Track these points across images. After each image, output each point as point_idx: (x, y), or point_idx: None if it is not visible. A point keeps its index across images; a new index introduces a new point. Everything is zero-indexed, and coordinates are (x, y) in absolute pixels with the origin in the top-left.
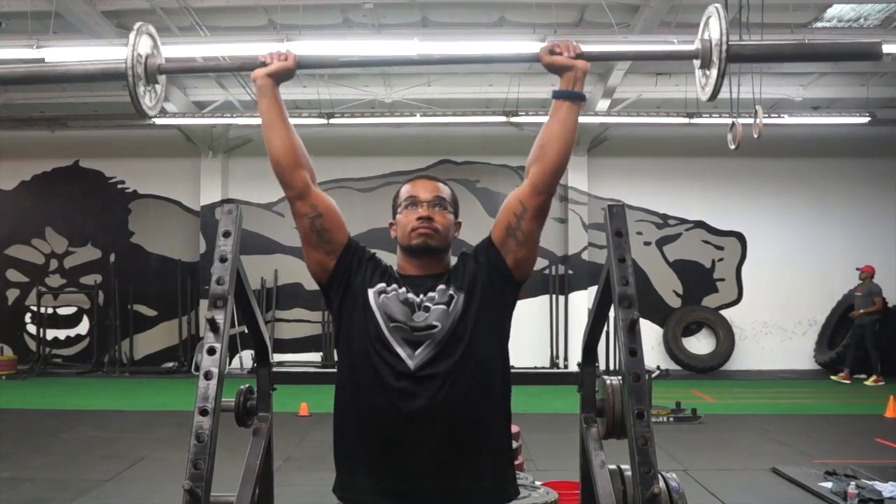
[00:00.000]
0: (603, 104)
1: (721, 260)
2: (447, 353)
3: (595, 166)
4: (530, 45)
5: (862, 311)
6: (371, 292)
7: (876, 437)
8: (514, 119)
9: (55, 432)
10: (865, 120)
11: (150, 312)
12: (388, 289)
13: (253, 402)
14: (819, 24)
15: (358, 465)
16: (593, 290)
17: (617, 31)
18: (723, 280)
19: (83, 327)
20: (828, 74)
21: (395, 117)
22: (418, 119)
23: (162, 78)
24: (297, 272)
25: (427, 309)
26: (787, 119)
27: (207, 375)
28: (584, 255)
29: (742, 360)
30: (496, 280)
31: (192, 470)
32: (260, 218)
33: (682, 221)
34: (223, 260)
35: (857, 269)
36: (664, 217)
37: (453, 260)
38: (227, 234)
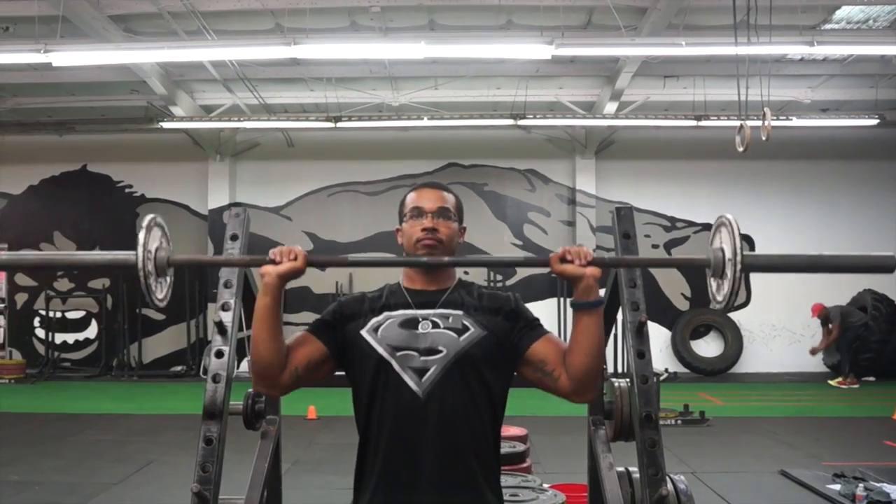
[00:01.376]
0: (611, 107)
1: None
2: (454, 378)
3: (603, 169)
4: (538, 49)
5: (823, 345)
6: (364, 332)
7: (885, 439)
8: (521, 122)
9: (64, 436)
10: (874, 122)
11: (159, 316)
12: (382, 319)
13: (261, 405)
14: (828, 26)
15: (365, 488)
16: (601, 293)
17: (624, 33)
18: None
19: (91, 331)
20: (836, 77)
21: (402, 121)
22: (425, 122)
23: (170, 270)
24: (305, 276)
25: (435, 324)
26: (795, 121)
27: (215, 378)
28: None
29: (750, 362)
30: (507, 353)
31: (201, 473)
32: (267, 221)
33: (690, 224)
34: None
35: (813, 315)
36: (672, 220)
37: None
38: (234, 238)
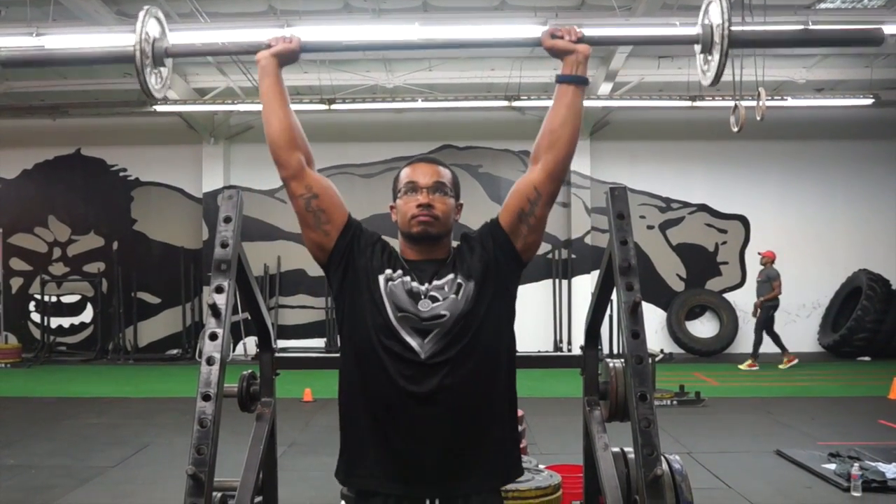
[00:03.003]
0: (605, 88)
1: (724, 243)
2: (457, 340)
3: (598, 150)
4: (532, 29)
5: (762, 298)
6: (381, 279)
7: (879, 418)
8: (516, 103)
9: (59, 420)
10: (869, 101)
11: (154, 300)
12: (395, 276)
13: (256, 387)
14: (822, 6)
15: (363, 449)
16: (596, 274)
17: (619, 13)
18: (726, 263)
19: (87, 315)
20: (831, 56)
21: (396, 102)
22: (420, 104)
23: (168, 62)
24: (299, 258)
25: (434, 299)
26: (790, 101)
27: (210, 361)
28: (588, 240)
29: (746, 343)
30: (504, 264)
31: (196, 455)
32: (262, 204)
33: (686, 205)
34: (224, 245)
35: (759, 253)
36: (667, 201)
37: (455, 242)
38: (227, 220)
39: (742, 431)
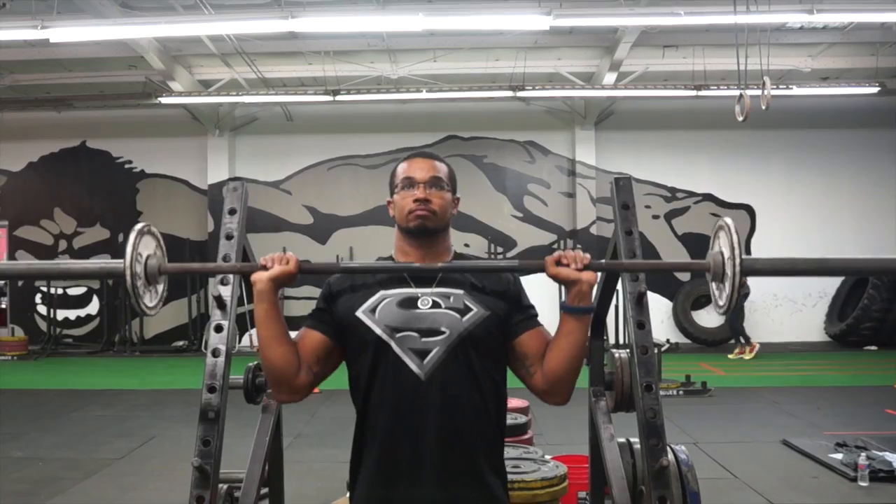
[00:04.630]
0: (610, 77)
1: None
2: (457, 360)
3: (602, 140)
4: (536, 19)
5: None
6: (360, 313)
7: (886, 407)
8: (520, 94)
9: (66, 412)
10: (875, 90)
11: None
12: (378, 299)
13: (261, 379)
14: None
15: (365, 473)
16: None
17: (623, 3)
18: None
19: (93, 307)
20: (837, 45)
21: (401, 93)
22: (424, 95)
23: (163, 278)
24: (304, 250)
25: (436, 304)
26: (795, 90)
27: (215, 353)
28: (593, 230)
29: (752, 332)
30: (506, 331)
31: (202, 447)
32: (267, 196)
33: (691, 194)
34: (229, 237)
35: None
36: (672, 190)
37: (453, 235)
38: (232, 212)
39: (748, 421)
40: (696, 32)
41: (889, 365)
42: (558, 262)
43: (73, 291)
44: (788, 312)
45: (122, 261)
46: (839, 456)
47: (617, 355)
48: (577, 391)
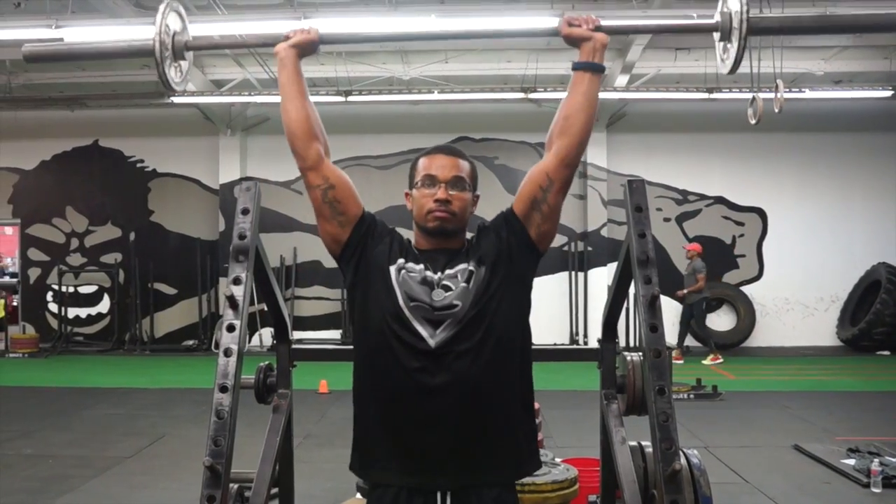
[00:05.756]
0: (622, 80)
1: (742, 236)
2: (469, 331)
3: (614, 142)
4: (548, 21)
5: (686, 290)
6: (392, 269)
7: None
8: (532, 95)
9: (77, 410)
10: (888, 93)
11: (170, 290)
12: (408, 266)
13: (273, 378)
14: None
15: (376, 442)
16: (613, 266)
17: (636, 5)
18: (743, 256)
19: (104, 305)
20: (850, 48)
21: (412, 94)
22: (436, 96)
23: (188, 55)
24: (316, 250)
25: (447, 288)
26: (808, 93)
27: (227, 352)
28: (604, 232)
29: (763, 336)
30: (518, 253)
31: (213, 447)
32: (279, 196)
33: (702, 197)
34: (242, 237)
35: (683, 247)
36: (684, 193)
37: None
38: (245, 212)
39: (759, 426)
40: (707, 35)
41: None
42: (570, 24)
43: (84, 290)
44: (800, 316)
45: (149, 38)
46: (851, 461)
47: (629, 358)
48: (587, 394)
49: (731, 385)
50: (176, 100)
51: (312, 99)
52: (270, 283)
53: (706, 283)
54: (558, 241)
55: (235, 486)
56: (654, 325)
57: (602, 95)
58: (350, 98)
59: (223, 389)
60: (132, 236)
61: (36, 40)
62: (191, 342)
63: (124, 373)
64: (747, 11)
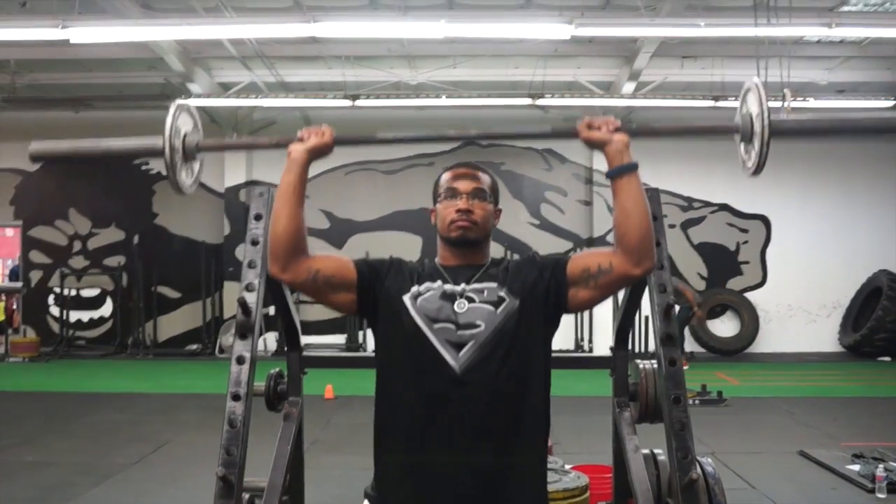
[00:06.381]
0: (629, 87)
1: (746, 243)
2: (492, 354)
3: None
4: (558, 28)
5: (698, 310)
6: (406, 298)
7: None
8: (539, 101)
9: (79, 415)
10: (891, 103)
11: (174, 294)
12: (423, 289)
13: (283, 386)
14: (846, 8)
15: (398, 479)
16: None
17: (644, 13)
18: (747, 263)
19: (106, 309)
20: (854, 58)
21: (420, 99)
22: (444, 101)
23: (200, 156)
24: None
25: (471, 300)
26: (812, 102)
27: (240, 360)
28: (610, 238)
29: (767, 342)
30: (550, 301)
31: (225, 456)
32: None
33: (707, 204)
34: (255, 243)
35: None
36: (689, 200)
37: (493, 247)
38: (258, 217)
39: (765, 432)
40: (715, 44)
41: None
42: (590, 127)
43: (86, 293)
44: (803, 323)
45: (160, 136)
46: (856, 467)
47: (641, 366)
48: (594, 400)
49: (735, 391)
50: (182, 102)
51: (319, 103)
52: (282, 288)
53: (692, 292)
54: (564, 246)
55: (246, 495)
56: (668, 334)
57: (609, 102)
58: (357, 102)
59: (236, 398)
60: (136, 239)
61: (42, 42)
62: (194, 346)
63: (127, 377)
64: (768, 116)
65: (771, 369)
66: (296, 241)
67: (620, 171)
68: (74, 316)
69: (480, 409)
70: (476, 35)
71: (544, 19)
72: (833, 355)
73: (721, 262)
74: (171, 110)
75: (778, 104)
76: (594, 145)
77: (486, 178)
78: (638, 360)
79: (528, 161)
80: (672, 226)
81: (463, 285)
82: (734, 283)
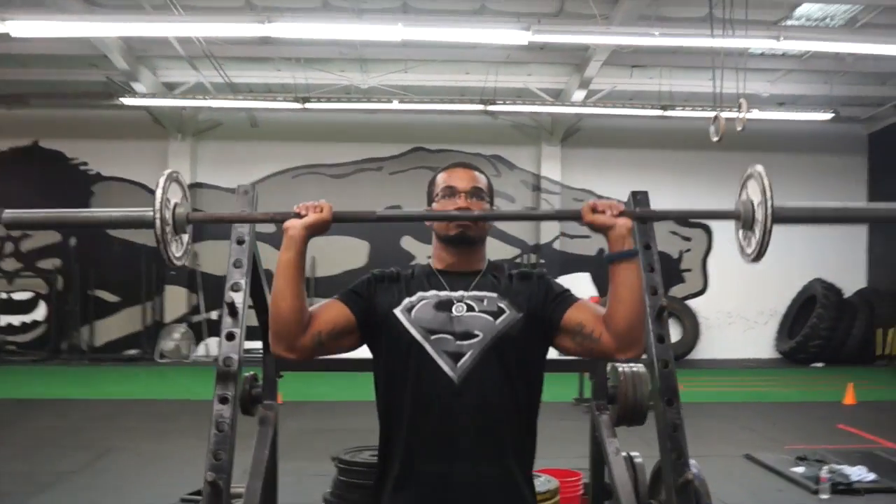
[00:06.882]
0: (579, 94)
1: (688, 251)
2: (490, 364)
3: (568, 156)
4: (515, 34)
5: None
6: (398, 312)
7: (837, 422)
8: (490, 108)
9: (15, 422)
10: (829, 116)
11: (113, 298)
12: (416, 300)
13: (258, 389)
14: (789, 22)
15: (391, 476)
16: (563, 279)
17: (599, 21)
18: (689, 271)
19: (40, 313)
20: (794, 72)
21: (372, 103)
22: (395, 105)
23: (189, 227)
24: (266, 259)
25: (470, 308)
26: (757, 114)
27: (227, 362)
28: (556, 245)
29: (707, 349)
30: (546, 327)
31: (213, 461)
32: (230, 202)
33: None
34: (240, 242)
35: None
36: None
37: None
38: None
39: (711, 436)
40: (664, 53)
41: (836, 381)
42: (594, 210)
43: (17, 296)
44: (741, 330)
45: (150, 208)
46: (801, 469)
47: (620, 369)
48: (556, 405)
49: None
50: (127, 102)
51: (269, 105)
52: (264, 291)
53: None
54: (511, 252)
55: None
56: (660, 335)
57: (558, 110)
58: (308, 105)
59: (224, 401)
60: (73, 241)
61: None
62: (133, 352)
63: (64, 383)
64: (772, 204)
65: (712, 375)
66: (302, 318)
67: (620, 257)
68: (4, 320)
69: (478, 419)
70: (434, 39)
71: (500, 25)
72: (770, 361)
73: (664, 269)
74: (161, 181)
75: (729, 114)
76: (598, 229)
77: (483, 179)
78: (617, 363)
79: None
80: None
81: (461, 292)
82: (676, 291)
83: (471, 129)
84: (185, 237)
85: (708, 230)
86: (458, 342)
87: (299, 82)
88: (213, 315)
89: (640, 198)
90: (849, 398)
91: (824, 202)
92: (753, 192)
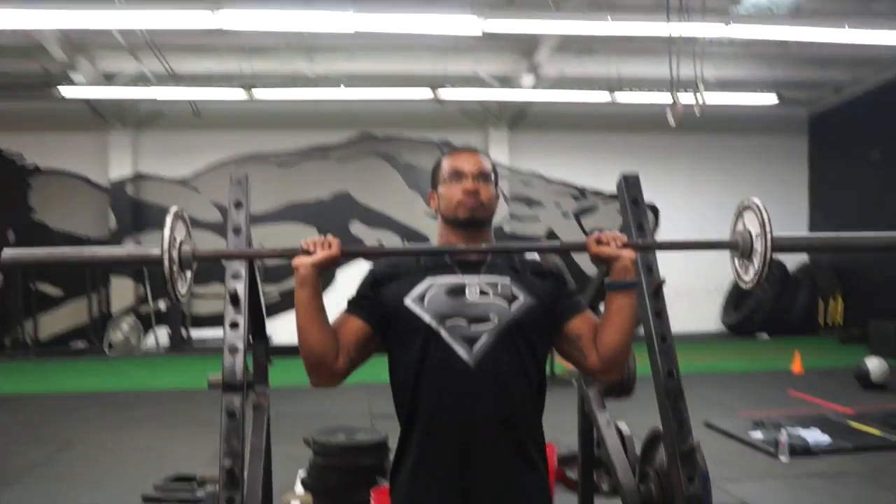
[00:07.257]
0: (528, 80)
1: None
2: (505, 348)
3: (516, 141)
4: (468, 23)
5: None
6: (409, 301)
7: (788, 389)
8: (440, 94)
9: None
10: (774, 100)
11: (56, 292)
12: (425, 287)
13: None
14: (736, 12)
15: (409, 459)
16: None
17: (551, 8)
18: None
19: None
20: (739, 56)
21: (320, 89)
22: (342, 91)
23: (194, 264)
24: (214, 245)
25: (484, 293)
26: (708, 96)
27: (232, 350)
28: (505, 228)
29: None
30: (550, 323)
31: (227, 448)
32: (174, 193)
33: (599, 194)
34: (237, 231)
35: None
36: (582, 190)
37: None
38: (238, 205)
39: None
40: (612, 40)
41: (781, 350)
42: (599, 242)
43: None
44: (688, 304)
45: (157, 247)
46: (759, 435)
47: None
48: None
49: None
50: (63, 91)
51: (212, 95)
52: (254, 275)
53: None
54: None
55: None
56: (658, 311)
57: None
58: (255, 92)
59: (233, 388)
60: (11, 235)
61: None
62: (81, 344)
63: (11, 379)
64: (771, 236)
65: None
66: (334, 346)
67: (623, 287)
68: None
69: (495, 401)
70: (386, 29)
71: (451, 12)
72: (717, 335)
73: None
74: (168, 220)
75: (691, 101)
76: (602, 260)
77: (487, 162)
78: None
79: (426, 153)
80: (565, 214)
81: (474, 276)
82: None
83: (418, 114)
84: (188, 273)
85: (655, 210)
86: (473, 327)
87: (245, 71)
88: (161, 305)
89: (630, 180)
90: (797, 366)
91: (818, 233)
92: (751, 223)
